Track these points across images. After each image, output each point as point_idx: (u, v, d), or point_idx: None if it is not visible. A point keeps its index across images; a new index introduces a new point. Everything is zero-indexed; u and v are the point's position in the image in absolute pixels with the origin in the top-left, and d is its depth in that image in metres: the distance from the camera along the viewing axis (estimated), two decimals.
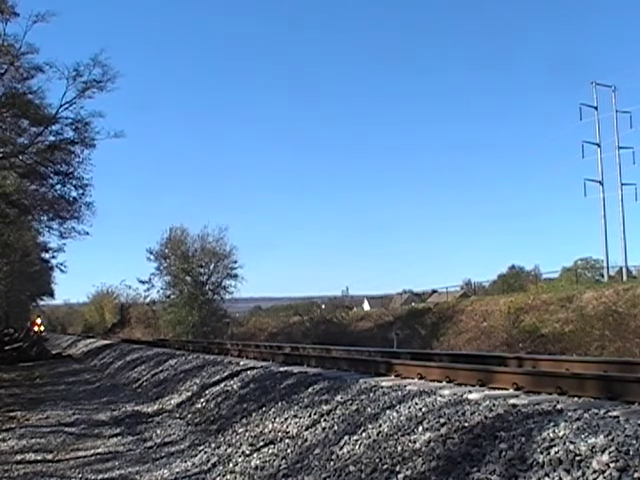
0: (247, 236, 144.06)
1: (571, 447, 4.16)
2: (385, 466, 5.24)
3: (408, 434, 5.63)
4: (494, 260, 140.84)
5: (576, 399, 5.69)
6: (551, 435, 4.47)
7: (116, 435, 9.59)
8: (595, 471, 3.82)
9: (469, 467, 4.58)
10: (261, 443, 7.37)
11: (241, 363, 13.02)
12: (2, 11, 17.47)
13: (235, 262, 46.41)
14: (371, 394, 7.31)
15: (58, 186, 23.02)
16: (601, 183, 37.66)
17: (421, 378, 7.99)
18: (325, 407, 7.52)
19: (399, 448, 5.44)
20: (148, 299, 51.45)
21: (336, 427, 6.75)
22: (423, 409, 6.13)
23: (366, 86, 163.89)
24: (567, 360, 9.39)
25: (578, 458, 4.02)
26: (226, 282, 46.89)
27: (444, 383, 7.46)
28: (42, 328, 75.53)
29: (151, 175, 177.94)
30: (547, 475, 4.01)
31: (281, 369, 10.84)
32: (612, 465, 3.79)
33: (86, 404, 13.52)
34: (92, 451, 8.51)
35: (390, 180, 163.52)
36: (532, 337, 25.32)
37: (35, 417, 11.80)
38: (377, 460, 5.41)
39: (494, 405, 5.65)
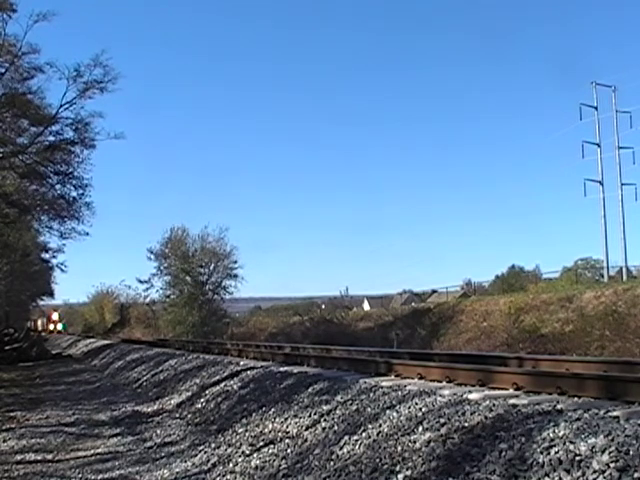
0: (247, 236, 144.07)
1: (571, 447, 4.16)
2: (385, 466, 5.24)
3: (408, 434, 5.63)
4: (494, 260, 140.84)
5: (576, 399, 5.68)
6: (551, 435, 4.47)
7: (116, 435, 9.59)
8: (595, 471, 3.82)
9: (469, 467, 4.58)
10: (261, 443, 7.37)
11: (241, 363, 13.02)
12: (1, 8, 17.44)
13: (235, 262, 46.39)
14: (371, 394, 7.31)
15: (58, 186, 23.03)
16: (601, 183, 37.64)
17: (421, 378, 7.99)
18: (325, 407, 7.52)
19: (399, 448, 5.44)
20: (148, 299, 51.45)
21: (336, 427, 6.75)
22: (423, 409, 6.12)
23: (366, 86, 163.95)
24: (567, 360, 9.39)
25: (578, 458, 4.02)
26: (226, 282, 46.89)
27: (444, 383, 7.45)
28: (60, 327, 69.71)
29: (151, 175, 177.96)
30: (547, 475, 4.01)
31: (281, 369, 10.84)
32: (612, 465, 3.79)
33: (86, 404, 13.51)
34: (92, 451, 8.51)
35: (390, 180, 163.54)
36: (532, 337, 25.31)
37: (35, 417, 11.80)
38: (377, 460, 5.41)
39: (494, 405, 5.65)
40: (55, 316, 70.12)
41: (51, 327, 67.64)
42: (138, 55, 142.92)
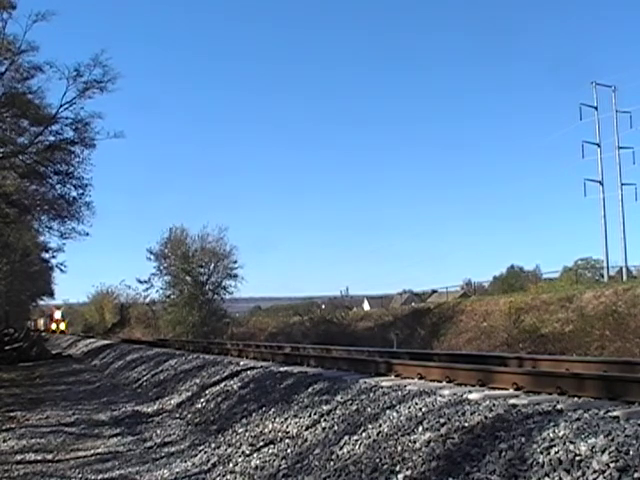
0: (247, 236, 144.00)
1: (571, 447, 4.16)
2: (385, 466, 5.24)
3: (408, 434, 5.63)
4: (494, 260, 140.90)
5: (576, 399, 5.69)
6: (551, 435, 4.47)
7: (116, 435, 9.59)
8: (595, 471, 3.82)
9: (469, 467, 4.58)
10: (261, 443, 7.37)
11: (241, 363, 13.02)
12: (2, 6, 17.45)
13: (235, 262, 46.35)
14: (371, 394, 7.31)
15: (58, 186, 23.07)
16: (601, 183, 37.61)
17: (421, 378, 7.99)
18: (325, 407, 7.52)
19: (399, 448, 5.44)
20: (148, 299, 51.42)
21: (336, 427, 6.75)
22: (423, 409, 6.12)
23: (365, 86, 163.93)
24: (567, 360, 9.39)
25: (578, 458, 4.02)
26: (226, 282, 46.86)
27: (444, 383, 7.46)
28: (62, 326, 65.90)
29: (151, 175, 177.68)
30: (547, 475, 4.01)
31: (281, 369, 10.84)
32: (612, 465, 3.79)
33: (86, 404, 13.51)
34: (92, 451, 8.50)
35: (390, 180, 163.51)
36: (532, 337, 25.30)
37: (35, 417, 11.80)
38: (377, 460, 5.41)
39: (494, 405, 5.65)
40: (58, 314, 67.75)
41: (53, 327, 64.96)
42: (138, 54, 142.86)
